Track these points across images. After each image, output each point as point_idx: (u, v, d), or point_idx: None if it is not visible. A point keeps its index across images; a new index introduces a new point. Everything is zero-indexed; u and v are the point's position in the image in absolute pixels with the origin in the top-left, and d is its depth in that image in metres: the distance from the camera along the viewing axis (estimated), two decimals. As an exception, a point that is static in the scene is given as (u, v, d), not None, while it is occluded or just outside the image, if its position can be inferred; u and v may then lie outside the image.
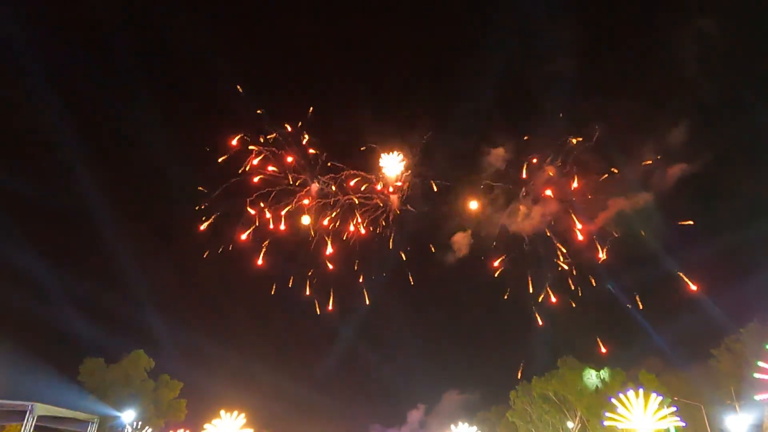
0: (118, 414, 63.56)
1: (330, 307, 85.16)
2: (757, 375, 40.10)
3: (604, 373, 75.19)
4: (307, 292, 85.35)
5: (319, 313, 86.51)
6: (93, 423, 56.33)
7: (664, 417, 53.52)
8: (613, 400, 59.50)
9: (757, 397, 41.50)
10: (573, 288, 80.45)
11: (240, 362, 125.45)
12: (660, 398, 54.07)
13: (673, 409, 53.64)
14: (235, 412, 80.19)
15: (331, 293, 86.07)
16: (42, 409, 44.46)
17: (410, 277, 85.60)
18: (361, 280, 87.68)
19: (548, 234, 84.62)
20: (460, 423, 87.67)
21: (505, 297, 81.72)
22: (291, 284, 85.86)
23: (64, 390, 56.65)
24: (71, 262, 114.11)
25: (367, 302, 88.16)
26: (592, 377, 75.32)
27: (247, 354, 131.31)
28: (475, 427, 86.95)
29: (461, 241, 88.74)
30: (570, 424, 79.66)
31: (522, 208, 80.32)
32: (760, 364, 40.37)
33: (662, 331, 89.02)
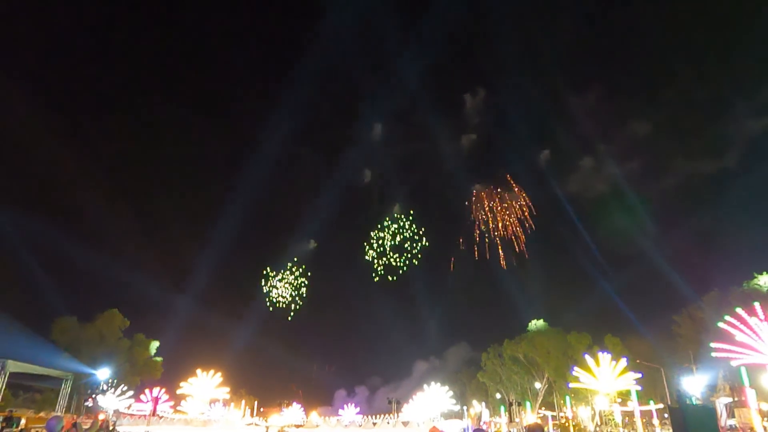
0: (92, 371, 63.28)
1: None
2: (713, 344, 41.78)
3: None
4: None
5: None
6: (67, 380, 56.13)
7: (626, 376, 55.55)
8: (586, 356, 59.99)
9: (714, 354, 42.64)
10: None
11: (217, 323, 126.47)
12: (624, 360, 56.24)
13: (638, 375, 55.32)
14: (212, 371, 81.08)
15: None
16: (14, 366, 44.01)
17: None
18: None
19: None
20: (432, 383, 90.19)
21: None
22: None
23: (37, 348, 55.94)
24: (43, 220, 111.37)
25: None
26: None
27: (226, 314, 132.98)
28: (446, 387, 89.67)
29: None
30: (537, 385, 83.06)
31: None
32: (724, 321, 40.81)
33: (630, 302, 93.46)
